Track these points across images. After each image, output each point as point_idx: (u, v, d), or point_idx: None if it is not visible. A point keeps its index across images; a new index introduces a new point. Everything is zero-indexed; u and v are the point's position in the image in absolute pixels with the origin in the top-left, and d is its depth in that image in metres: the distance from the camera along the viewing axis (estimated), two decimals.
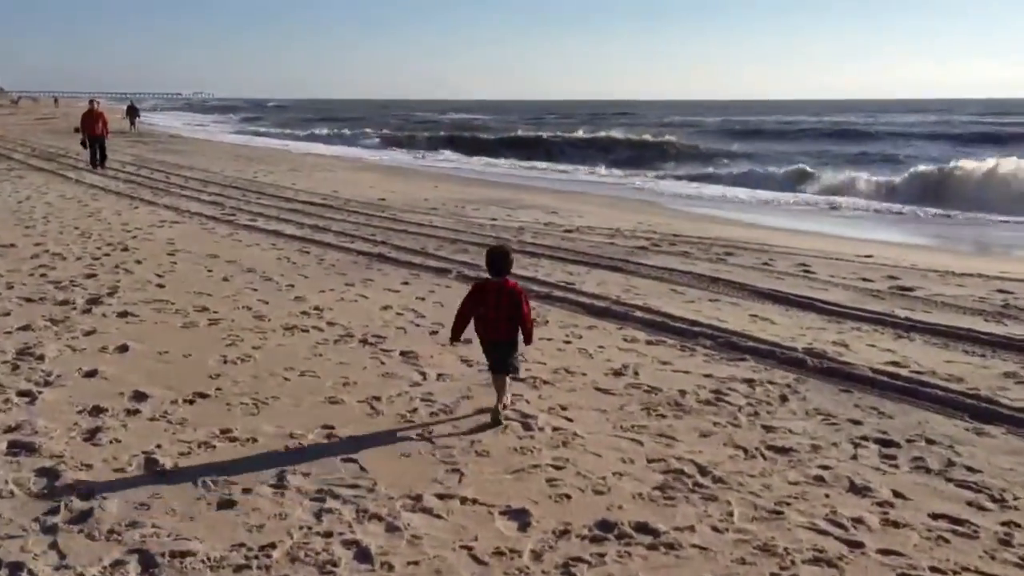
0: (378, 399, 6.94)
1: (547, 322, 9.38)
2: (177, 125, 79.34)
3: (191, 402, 6.82)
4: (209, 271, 11.99)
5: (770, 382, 7.47)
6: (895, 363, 7.95)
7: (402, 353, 8.18)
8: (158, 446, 5.94)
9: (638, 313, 9.73)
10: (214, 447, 5.96)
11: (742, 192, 30.39)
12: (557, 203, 23.26)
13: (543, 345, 8.43)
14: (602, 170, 40.04)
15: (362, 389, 7.18)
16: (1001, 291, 11.30)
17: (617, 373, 7.69)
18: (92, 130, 28.22)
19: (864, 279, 12.04)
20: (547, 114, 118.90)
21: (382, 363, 7.88)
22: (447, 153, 50.34)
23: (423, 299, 10.48)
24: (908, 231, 20.98)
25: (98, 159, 28.26)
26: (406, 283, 11.40)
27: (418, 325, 9.23)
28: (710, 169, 39.41)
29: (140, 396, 6.92)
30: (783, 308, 10.22)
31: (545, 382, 7.42)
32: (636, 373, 7.69)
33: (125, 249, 13.62)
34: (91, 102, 28.98)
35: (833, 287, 11.45)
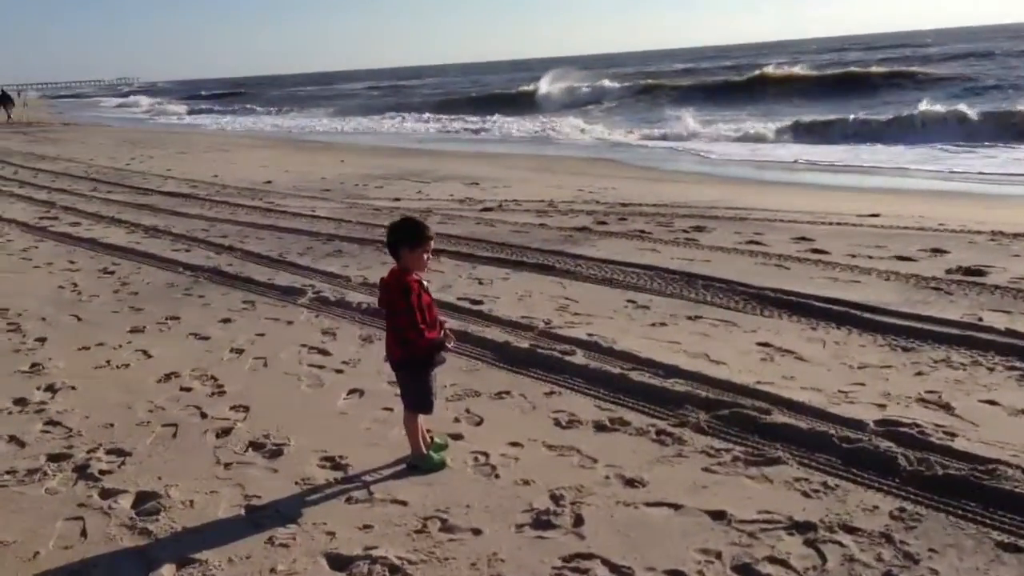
0: None
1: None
2: (86, 115, 73.51)
3: None
4: None
5: (847, 527, 3.72)
6: None
7: (141, 498, 4.30)
8: None
9: (578, 355, 5.94)
10: None
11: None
12: (482, 170, 19.42)
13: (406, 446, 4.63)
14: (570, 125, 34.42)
15: None
16: None
17: (542, 523, 3.90)
18: None
19: (900, 257, 8.39)
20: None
21: (82, 536, 3.99)
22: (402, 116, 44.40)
23: (240, 351, 6.59)
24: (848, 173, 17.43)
25: None
26: (228, 320, 7.48)
27: (204, 415, 5.35)
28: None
29: None
30: (805, 325, 6.50)
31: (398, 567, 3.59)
32: (578, 519, 3.90)
33: None
34: None
35: (863, 275, 7.78)
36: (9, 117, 44.81)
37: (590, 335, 6.37)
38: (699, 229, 10.28)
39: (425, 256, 4.41)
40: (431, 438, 4.70)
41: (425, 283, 4.44)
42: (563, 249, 9.43)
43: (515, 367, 5.91)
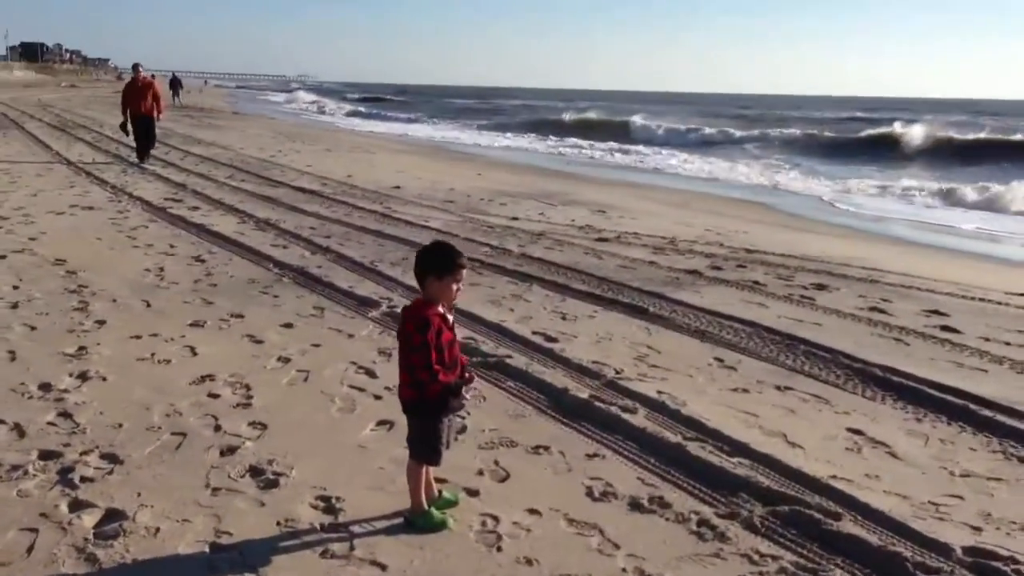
0: None
1: (456, 438, 5.01)
2: (254, 106, 76.73)
3: None
4: (15, 288, 7.98)
5: None
6: None
7: (107, 516, 3.93)
8: None
9: (638, 415, 5.29)
10: None
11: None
12: (615, 198, 18.75)
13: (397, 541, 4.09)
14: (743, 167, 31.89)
15: None
16: None
17: None
18: (138, 108, 19.40)
19: None
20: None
21: (27, 552, 3.63)
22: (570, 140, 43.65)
23: (287, 360, 6.24)
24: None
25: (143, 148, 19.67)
26: (290, 324, 7.17)
27: (219, 427, 4.98)
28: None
29: None
30: (910, 414, 5.64)
31: None
32: None
33: None
34: (136, 68, 20.23)
35: (993, 363, 6.80)
36: (179, 101, 47.12)
37: (659, 392, 5.70)
38: (821, 287, 9.38)
39: (455, 287, 3.90)
40: (438, 492, 4.17)
41: (449, 318, 3.92)
42: (663, 292, 8.73)
43: (566, 418, 5.30)
